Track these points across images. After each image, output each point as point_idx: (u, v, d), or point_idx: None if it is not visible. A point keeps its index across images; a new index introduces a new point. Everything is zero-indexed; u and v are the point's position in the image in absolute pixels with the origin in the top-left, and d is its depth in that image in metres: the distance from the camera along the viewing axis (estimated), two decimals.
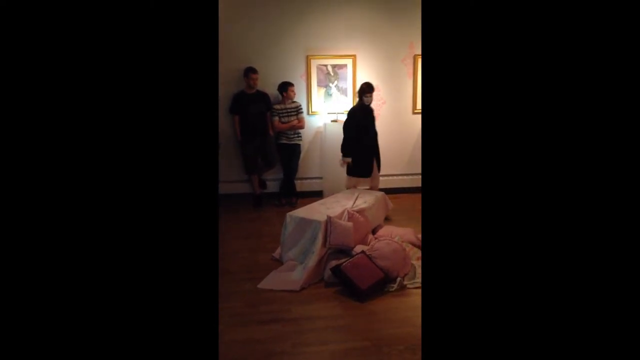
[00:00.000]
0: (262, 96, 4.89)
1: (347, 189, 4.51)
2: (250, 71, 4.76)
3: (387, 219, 4.34)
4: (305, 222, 3.38)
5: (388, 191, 4.64)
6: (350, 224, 3.39)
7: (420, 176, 5.57)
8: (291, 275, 3.18)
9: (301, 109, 5.01)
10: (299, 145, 5.06)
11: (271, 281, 3.13)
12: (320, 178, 5.32)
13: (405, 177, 5.56)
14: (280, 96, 4.94)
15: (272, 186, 5.28)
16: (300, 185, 5.29)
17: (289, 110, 4.92)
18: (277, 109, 4.89)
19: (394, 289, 2.99)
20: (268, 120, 4.93)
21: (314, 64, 5.14)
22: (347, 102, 5.25)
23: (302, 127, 5.02)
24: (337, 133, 4.98)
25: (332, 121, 5.08)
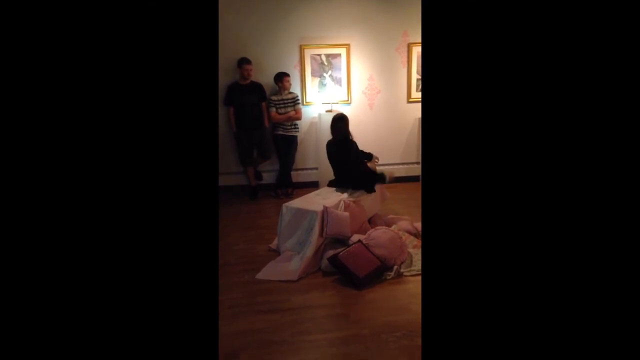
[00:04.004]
0: (257, 87, 4.86)
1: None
2: (244, 62, 4.72)
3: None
4: (301, 213, 3.39)
5: None
6: (346, 213, 3.40)
7: (415, 165, 5.59)
8: (289, 265, 3.20)
9: (298, 99, 4.98)
10: (295, 137, 5.05)
11: (269, 272, 3.15)
12: (316, 168, 5.32)
13: (400, 166, 5.57)
14: (277, 87, 4.92)
15: (268, 177, 5.28)
16: (296, 176, 5.29)
17: (285, 101, 4.89)
18: (274, 100, 4.86)
19: (390, 277, 3.01)
20: (264, 111, 4.90)
21: (308, 53, 5.11)
22: (341, 92, 5.24)
23: (299, 118, 5.00)
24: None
25: (327, 111, 5.07)
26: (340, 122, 3.86)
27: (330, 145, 3.98)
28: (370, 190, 3.85)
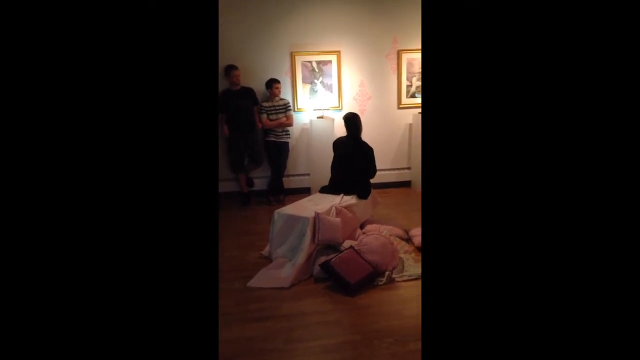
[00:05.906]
0: (249, 91, 4.88)
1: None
2: (231, 69, 4.73)
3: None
4: (293, 219, 3.38)
5: (375, 186, 4.67)
6: (338, 219, 3.41)
7: (406, 171, 5.63)
8: (280, 272, 3.19)
9: (289, 106, 5.00)
10: (287, 143, 5.05)
11: (261, 279, 3.14)
12: (308, 174, 5.32)
13: (392, 171, 5.60)
14: (268, 93, 4.93)
15: (260, 184, 5.27)
16: (288, 182, 5.29)
17: (277, 107, 4.91)
18: (265, 107, 4.88)
19: (382, 282, 3.02)
20: (256, 115, 4.91)
21: (299, 60, 5.13)
22: (332, 98, 5.26)
23: (290, 125, 5.01)
24: (323, 129, 5.00)
25: (318, 117, 5.09)
26: (354, 119, 3.92)
27: (339, 144, 4.00)
28: (363, 196, 3.86)
